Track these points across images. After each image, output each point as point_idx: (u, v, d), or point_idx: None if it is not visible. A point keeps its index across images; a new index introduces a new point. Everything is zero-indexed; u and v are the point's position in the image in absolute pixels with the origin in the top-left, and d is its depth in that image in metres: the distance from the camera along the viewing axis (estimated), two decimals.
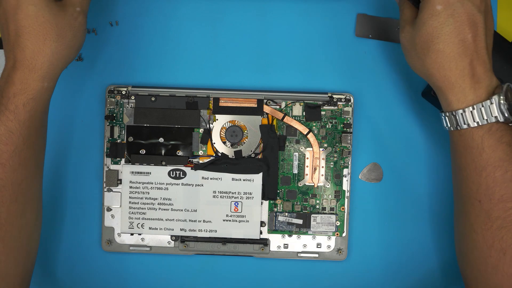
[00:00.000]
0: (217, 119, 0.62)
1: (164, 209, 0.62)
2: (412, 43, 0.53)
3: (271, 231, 0.62)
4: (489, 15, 0.53)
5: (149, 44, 0.64)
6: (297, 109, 0.62)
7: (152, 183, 0.62)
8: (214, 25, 0.64)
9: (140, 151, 0.62)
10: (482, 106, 0.50)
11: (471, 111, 0.50)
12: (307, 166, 0.62)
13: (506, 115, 0.49)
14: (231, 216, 0.62)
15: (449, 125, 0.52)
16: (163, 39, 0.64)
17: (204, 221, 0.62)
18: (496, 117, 0.49)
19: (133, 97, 0.62)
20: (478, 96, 0.50)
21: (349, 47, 0.63)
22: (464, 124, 0.51)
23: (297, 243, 0.62)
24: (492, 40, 0.53)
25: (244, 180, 0.62)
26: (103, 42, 0.64)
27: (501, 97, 0.49)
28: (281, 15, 0.63)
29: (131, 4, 0.64)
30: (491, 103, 0.49)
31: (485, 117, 0.50)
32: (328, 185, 0.62)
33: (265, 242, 0.62)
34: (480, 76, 0.50)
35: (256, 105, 0.62)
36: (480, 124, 0.50)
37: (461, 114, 0.50)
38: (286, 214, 0.62)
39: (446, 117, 0.52)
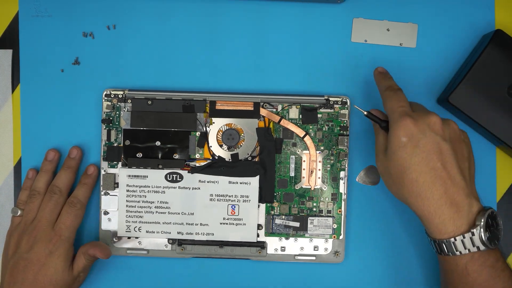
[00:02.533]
0: (213, 122, 0.62)
1: (161, 213, 0.62)
2: (387, 171, 0.54)
3: (268, 234, 0.62)
4: (459, 142, 0.54)
5: (146, 48, 0.64)
6: (294, 112, 0.62)
7: (149, 187, 0.62)
8: (211, 29, 0.64)
9: (137, 155, 0.62)
10: (464, 237, 0.51)
11: (453, 242, 0.51)
12: (304, 169, 0.62)
13: (488, 245, 0.50)
14: (228, 219, 0.62)
15: (434, 249, 0.53)
16: (160, 43, 0.64)
17: (201, 224, 0.62)
18: (478, 247, 0.51)
19: (129, 101, 0.62)
20: (459, 227, 0.51)
21: (346, 51, 0.64)
22: (448, 252, 0.52)
23: (294, 246, 0.62)
24: (473, 165, 0.55)
25: (241, 183, 0.62)
26: (100, 46, 0.64)
27: (481, 230, 0.50)
28: (277, 19, 0.63)
29: (128, 7, 0.64)
30: (472, 235, 0.50)
31: (467, 247, 0.51)
32: (325, 187, 0.62)
33: (262, 245, 0.62)
34: (459, 205, 0.51)
35: (252, 108, 0.62)
36: (463, 253, 0.51)
37: (444, 244, 0.52)
38: (283, 217, 0.62)
39: (431, 243, 0.53)
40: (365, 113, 0.56)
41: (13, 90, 0.64)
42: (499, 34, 0.60)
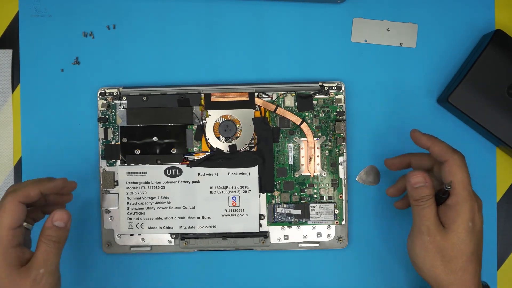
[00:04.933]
0: (209, 115, 0.62)
1: (163, 208, 0.62)
2: (440, 252, 0.52)
3: (270, 223, 0.62)
4: None
5: (146, 47, 0.64)
6: (289, 100, 0.62)
7: (148, 183, 0.62)
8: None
9: (135, 151, 0.62)
10: None
11: None
12: (302, 156, 0.62)
13: None
14: (229, 210, 0.62)
15: None
16: (160, 42, 0.64)
17: (203, 217, 0.62)
18: None
19: (124, 98, 0.62)
20: None
21: (346, 51, 0.63)
22: None
23: (297, 234, 0.62)
24: None
25: (240, 174, 0.62)
26: (100, 46, 0.64)
27: None
28: (277, 19, 0.63)
29: (128, 7, 0.64)
30: None
31: None
32: (324, 174, 0.62)
33: (265, 235, 0.62)
34: None
35: (247, 99, 0.62)
36: None
37: None
38: (285, 205, 0.62)
39: None
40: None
41: (13, 90, 0.64)
42: (499, 34, 0.60)
